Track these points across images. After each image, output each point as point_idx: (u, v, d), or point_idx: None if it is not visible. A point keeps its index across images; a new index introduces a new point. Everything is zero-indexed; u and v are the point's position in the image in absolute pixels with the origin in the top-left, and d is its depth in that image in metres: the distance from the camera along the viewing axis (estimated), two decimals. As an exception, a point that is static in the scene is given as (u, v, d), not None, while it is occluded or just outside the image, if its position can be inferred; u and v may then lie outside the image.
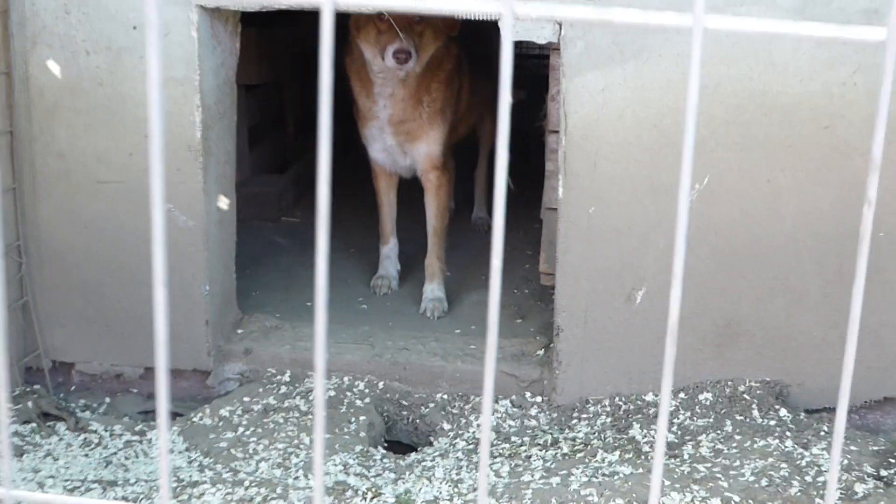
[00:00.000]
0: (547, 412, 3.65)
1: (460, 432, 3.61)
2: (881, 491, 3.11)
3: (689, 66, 3.25)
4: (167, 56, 3.52)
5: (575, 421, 3.56)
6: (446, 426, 3.65)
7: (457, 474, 3.28)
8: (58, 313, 3.81)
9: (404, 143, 4.16)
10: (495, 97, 5.11)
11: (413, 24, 3.81)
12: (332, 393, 3.73)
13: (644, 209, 3.42)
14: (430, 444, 3.61)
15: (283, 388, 3.76)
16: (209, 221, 3.70)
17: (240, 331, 3.95)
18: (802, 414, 3.43)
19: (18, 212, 3.72)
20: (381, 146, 4.20)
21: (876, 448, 3.33)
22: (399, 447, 3.69)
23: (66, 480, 3.26)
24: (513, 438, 3.50)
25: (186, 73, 3.53)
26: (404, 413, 3.76)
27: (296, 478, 3.26)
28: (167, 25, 3.51)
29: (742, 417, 3.38)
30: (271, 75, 5.47)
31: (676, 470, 3.13)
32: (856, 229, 3.37)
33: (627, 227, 3.46)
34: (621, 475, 3.14)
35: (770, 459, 3.13)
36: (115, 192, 3.67)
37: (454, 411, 3.70)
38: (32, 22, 3.56)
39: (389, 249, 4.50)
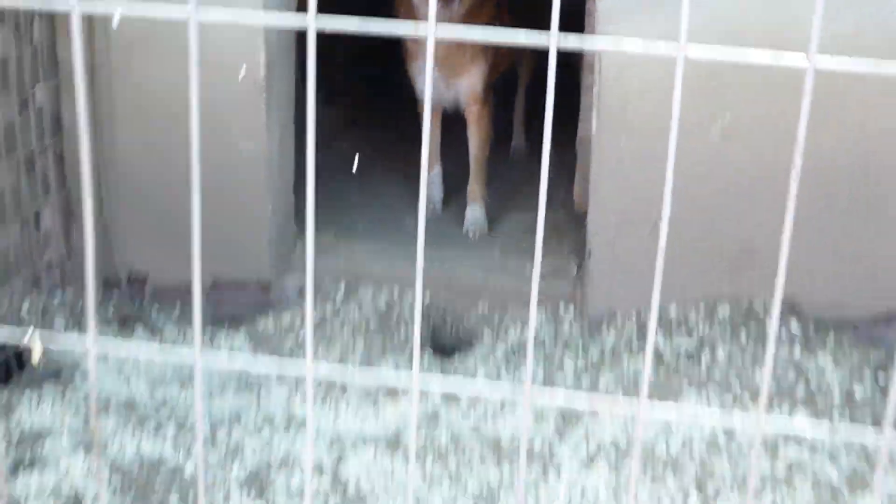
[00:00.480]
0: (579, 323, 4.01)
1: (499, 340, 3.97)
2: (878, 395, 3.47)
3: (712, 17, 3.57)
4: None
5: (604, 331, 3.92)
6: (486, 334, 4.02)
7: (496, 375, 3.66)
8: (134, 230, 4.19)
9: (448, 79, 4.50)
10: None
11: None
12: (385, 303, 4.10)
13: (669, 144, 3.74)
14: (472, 349, 3.97)
15: (338, 299, 4.14)
16: (271, 150, 4.06)
17: (298, 247, 4.33)
18: (811, 326, 3.78)
19: (98, 140, 4.09)
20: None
21: (877, 358, 3.69)
22: (444, 352, 4.06)
23: (149, 376, 3.66)
24: (547, 346, 3.87)
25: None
26: (449, 322, 4.13)
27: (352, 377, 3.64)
28: (236, -33, 3.84)
29: (756, 329, 3.74)
30: (321, 9, 5.78)
31: (695, 374, 3.50)
32: (859, 164, 3.71)
33: (654, 161, 3.79)
34: (641, 377, 3.51)
35: (779, 366, 3.49)
36: (184, 122, 4.02)
37: (494, 321, 4.07)
38: (112, -37, 3.90)
39: (434, 175, 4.85)
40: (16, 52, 3.78)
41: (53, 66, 4.03)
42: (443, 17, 4.26)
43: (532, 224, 4.65)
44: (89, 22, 3.96)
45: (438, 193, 4.85)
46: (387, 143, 5.66)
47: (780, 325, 3.73)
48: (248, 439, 3.20)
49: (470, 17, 4.36)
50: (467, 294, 4.14)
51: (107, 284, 4.24)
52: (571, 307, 4.05)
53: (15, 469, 3.04)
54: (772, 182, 3.74)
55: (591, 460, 3.11)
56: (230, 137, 4.01)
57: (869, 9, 3.56)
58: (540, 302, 4.04)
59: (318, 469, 3.07)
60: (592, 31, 3.76)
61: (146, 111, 4.03)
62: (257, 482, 3.00)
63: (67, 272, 4.19)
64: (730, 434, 3.18)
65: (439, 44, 4.35)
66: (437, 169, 4.84)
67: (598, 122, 3.80)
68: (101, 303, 4.16)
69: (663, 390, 3.41)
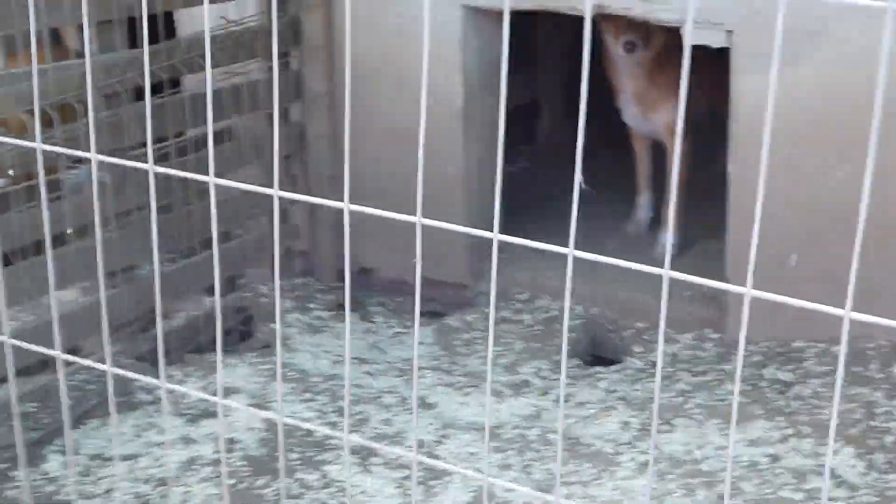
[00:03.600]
0: (717, 346, 4.41)
1: (644, 355, 4.46)
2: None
3: (831, 72, 3.88)
4: (438, 42, 4.58)
5: (734, 356, 4.31)
6: (637, 349, 4.51)
7: (616, 387, 4.17)
8: (365, 231, 5.00)
9: (645, 114, 4.99)
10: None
11: (641, 21, 4.61)
12: (556, 313, 4.69)
13: (793, 185, 4.10)
14: (621, 361, 4.49)
15: (518, 305, 4.78)
16: (468, 171, 4.75)
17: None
18: (916, 372, 4.01)
19: (336, 155, 4.95)
20: (630, 114, 5.05)
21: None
22: (603, 361, 4.59)
23: (337, 355, 4.47)
24: (677, 365, 4.31)
25: (452, 57, 4.59)
26: (610, 335, 4.66)
27: (495, 373, 4.28)
28: (439, 19, 4.56)
29: (859, 369, 4.01)
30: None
31: (773, 404, 3.85)
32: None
33: (783, 200, 4.14)
34: (728, 401, 3.91)
35: (852, 405, 3.78)
36: (399, 141, 4.76)
37: (646, 338, 4.55)
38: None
39: (643, 199, 5.33)
40: (270, 76, 4.71)
41: (302, 90, 4.95)
42: (630, 63, 4.76)
43: (716, 252, 5.05)
44: (329, 60, 4.82)
45: (645, 215, 5.32)
46: (605, 168, 6.07)
47: (882, 370, 3.99)
48: (375, 414, 3.93)
49: (659, 58, 4.80)
50: (628, 312, 4.64)
51: (340, 275, 5.10)
52: (716, 331, 4.46)
53: (201, 417, 3.95)
54: (889, 227, 3.99)
55: (643, 466, 3.58)
56: (434, 160, 4.73)
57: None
58: (687, 325, 4.51)
59: (419, 445, 3.75)
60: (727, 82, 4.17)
61: (372, 131, 4.83)
62: (364, 451, 3.72)
63: (311, 261, 5.11)
64: (774, 458, 3.55)
65: (634, 81, 4.87)
66: (647, 193, 5.31)
67: (732, 162, 4.21)
68: (332, 290, 5.04)
69: (737, 415, 3.79)
